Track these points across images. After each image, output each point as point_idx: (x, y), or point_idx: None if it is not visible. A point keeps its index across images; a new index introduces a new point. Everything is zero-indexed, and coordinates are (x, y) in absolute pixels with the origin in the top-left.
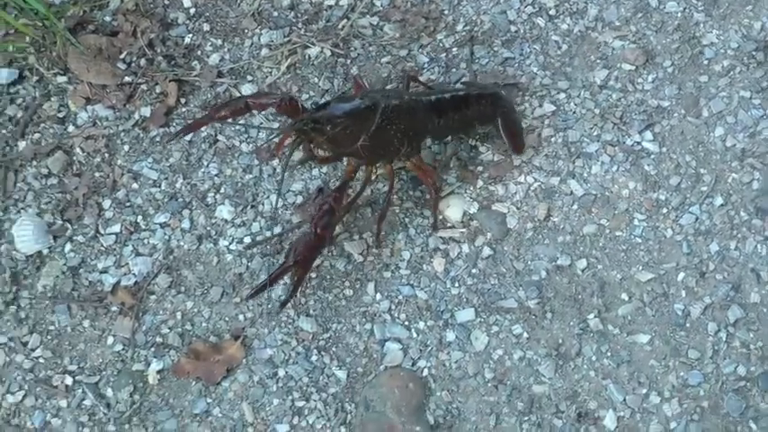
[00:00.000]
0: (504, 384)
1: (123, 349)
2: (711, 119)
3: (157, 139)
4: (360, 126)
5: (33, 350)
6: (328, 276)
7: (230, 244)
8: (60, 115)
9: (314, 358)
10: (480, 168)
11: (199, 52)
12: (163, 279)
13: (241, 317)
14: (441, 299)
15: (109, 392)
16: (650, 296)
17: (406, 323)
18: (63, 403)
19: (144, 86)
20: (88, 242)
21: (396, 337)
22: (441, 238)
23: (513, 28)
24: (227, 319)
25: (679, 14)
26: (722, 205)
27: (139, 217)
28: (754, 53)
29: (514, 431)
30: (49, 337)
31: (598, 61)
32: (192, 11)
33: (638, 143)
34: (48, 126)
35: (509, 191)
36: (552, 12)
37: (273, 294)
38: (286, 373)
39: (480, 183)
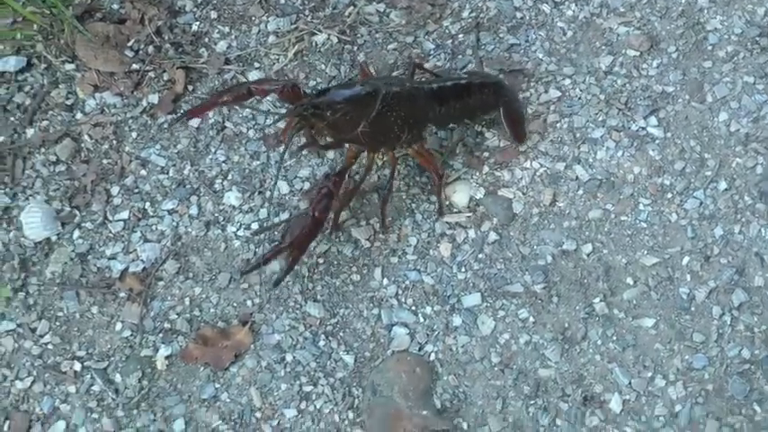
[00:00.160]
0: (510, 368)
1: (131, 335)
2: (715, 104)
3: (165, 126)
4: (360, 112)
5: (42, 336)
6: (335, 262)
7: (238, 230)
8: (68, 103)
9: (321, 343)
10: (486, 154)
11: (206, 39)
12: (171, 265)
13: (249, 302)
14: (447, 284)
15: (117, 378)
16: (655, 280)
17: (413, 308)
18: (72, 389)
19: (151, 74)
20: (96, 229)
21: (403, 322)
22: (447, 223)
23: (518, 14)
24: (234, 304)
25: (683, 0)
26: (726, 190)
27: (147, 203)
28: (757, 39)
29: (521, 415)
30: (57, 324)
31: (603, 47)
32: None
33: (643, 128)
34: (56, 113)
35: (515, 176)
36: None
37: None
38: (294, 358)
39: (486, 168)
